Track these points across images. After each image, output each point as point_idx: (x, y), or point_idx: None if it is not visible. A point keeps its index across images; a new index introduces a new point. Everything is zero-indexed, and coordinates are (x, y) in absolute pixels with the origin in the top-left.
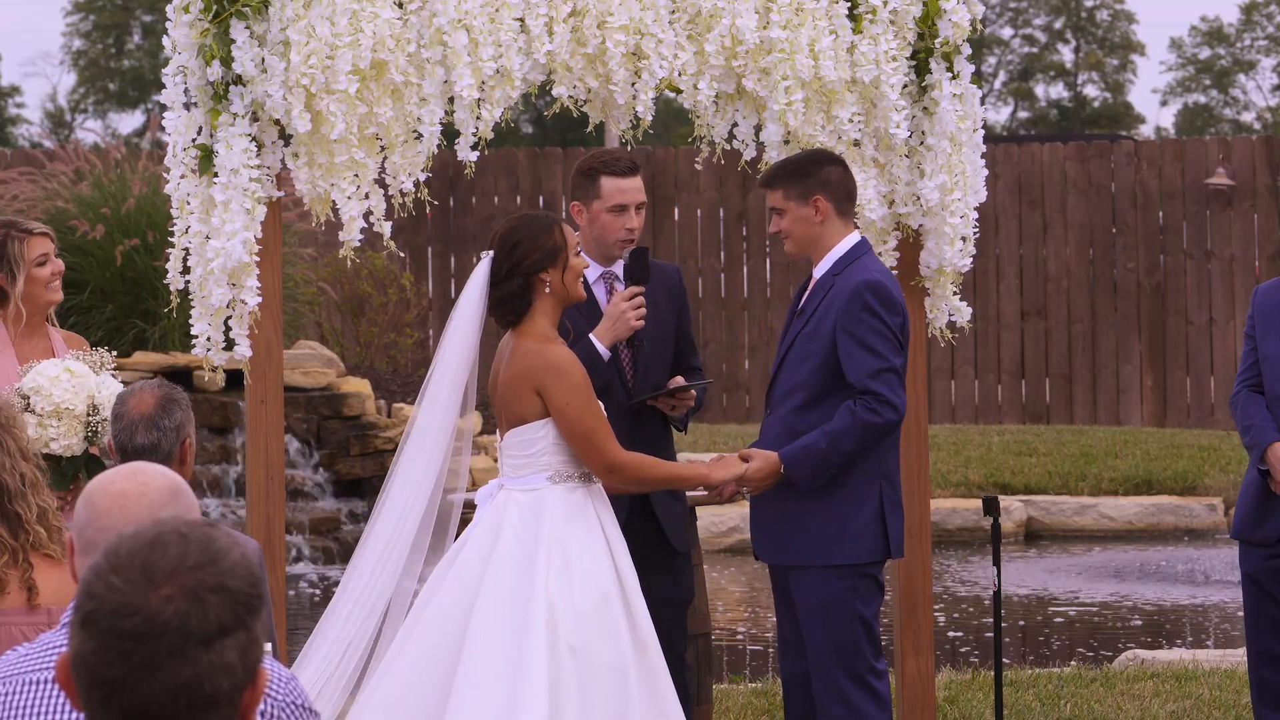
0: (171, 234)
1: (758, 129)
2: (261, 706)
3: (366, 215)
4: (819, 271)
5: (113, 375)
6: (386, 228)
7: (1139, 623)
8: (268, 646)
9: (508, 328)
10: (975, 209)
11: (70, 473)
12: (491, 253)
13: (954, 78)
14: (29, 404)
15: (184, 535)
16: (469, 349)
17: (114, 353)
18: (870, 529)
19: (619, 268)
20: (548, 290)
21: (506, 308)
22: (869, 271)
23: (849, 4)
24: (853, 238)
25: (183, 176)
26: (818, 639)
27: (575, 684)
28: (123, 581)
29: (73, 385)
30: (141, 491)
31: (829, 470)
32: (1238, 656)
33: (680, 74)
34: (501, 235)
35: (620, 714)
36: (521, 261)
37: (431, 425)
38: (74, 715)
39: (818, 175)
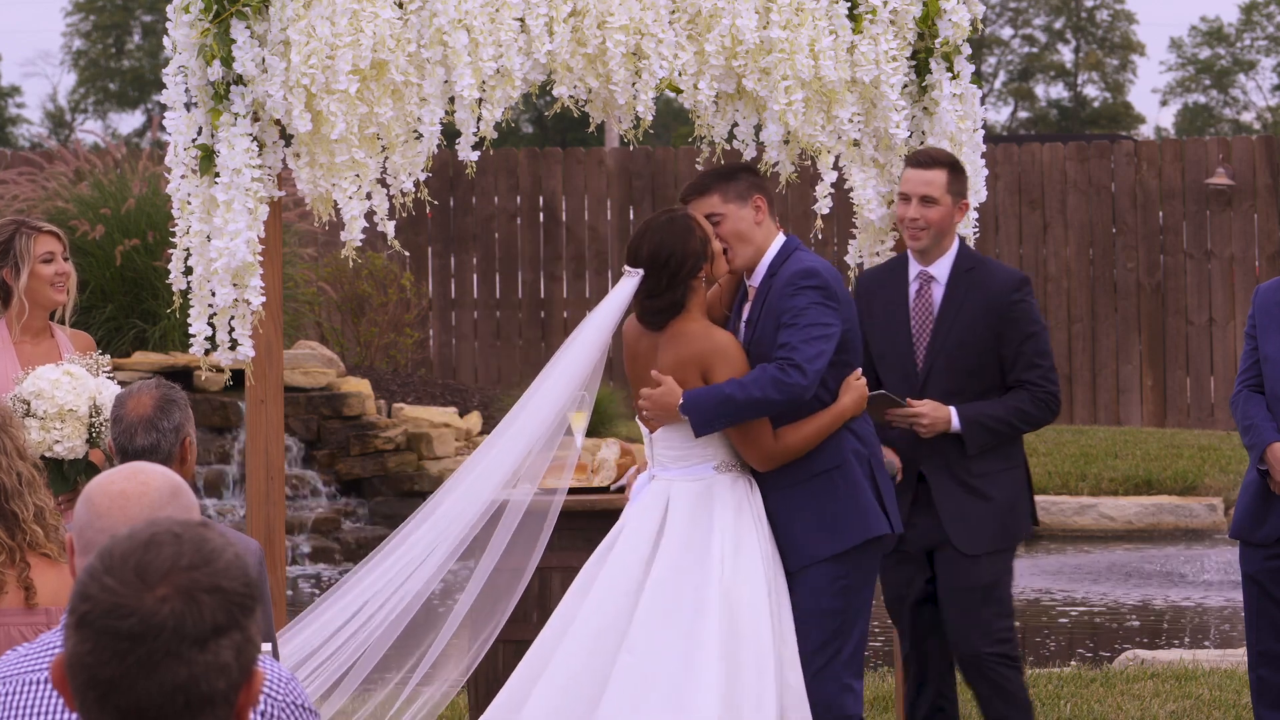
0: (172, 234)
1: (758, 129)
2: (262, 707)
3: (370, 215)
4: (756, 279)
5: (109, 378)
6: (390, 227)
7: (1139, 623)
8: (266, 647)
9: (662, 329)
10: (975, 209)
11: (72, 475)
12: (640, 271)
13: (954, 78)
14: (30, 408)
15: (178, 536)
16: (586, 366)
17: (107, 356)
18: (870, 511)
19: (936, 268)
20: (701, 284)
21: (665, 315)
22: (801, 263)
23: (849, 4)
24: (781, 237)
25: (183, 176)
26: (813, 639)
27: (754, 672)
28: (117, 583)
29: (74, 387)
30: (142, 491)
31: (726, 418)
32: (1238, 656)
33: (680, 74)
34: (650, 253)
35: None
36: (679, 271)
37: (528, 430)
38: (74, 716)
39: (748, 176)
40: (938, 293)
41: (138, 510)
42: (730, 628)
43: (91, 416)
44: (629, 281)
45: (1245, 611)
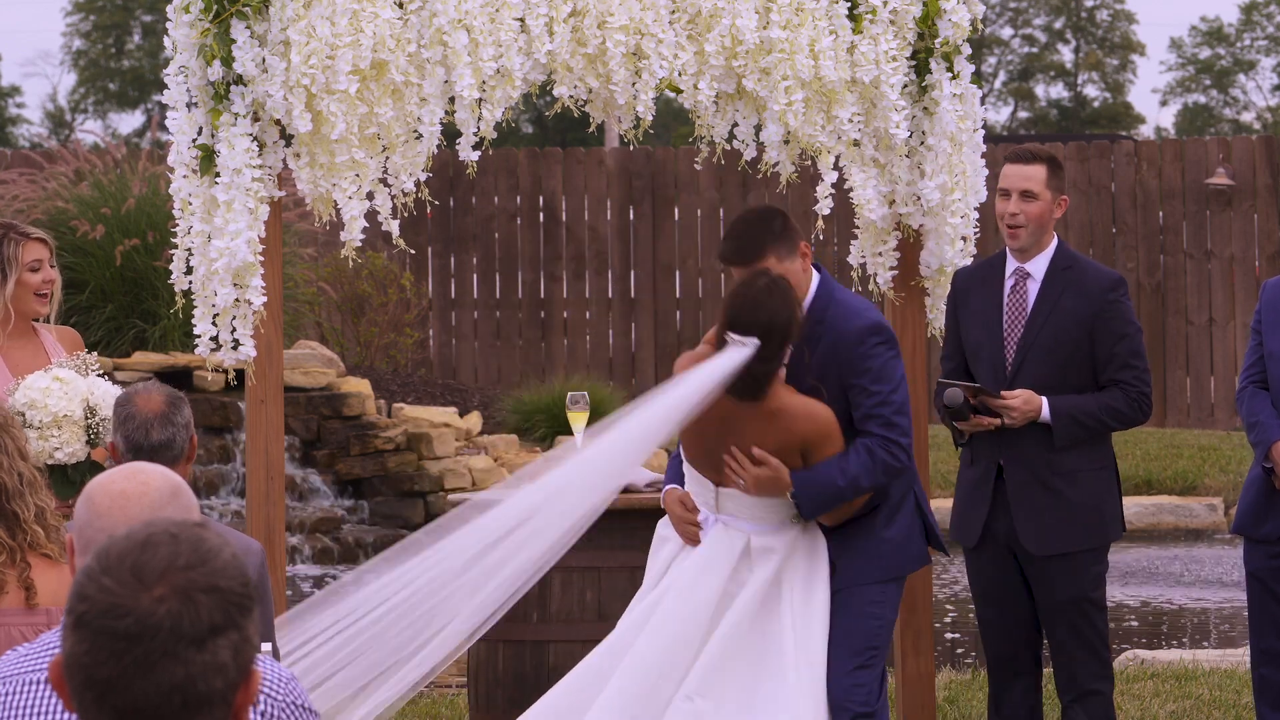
0: (173, 234)
1: (758, 129)
2: (261, 706)
3: (373, 215)
4: None
5: (100, 375)
6: (394, 226)
7: (1139, 623)
8: (266, 646)
9: (754, 401)
10: (976, 209)
11: (77, 478)
12: (755, 341)
13: (954, 78)
14: (25, 420)
15: (174, 536)
16: (667, 428)
17: (94, 354)
18: (917, 538)
19: (1033, 265)
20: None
21: (764, 385)
22: (862, 315)
23: (849, 4)
24: (815, 275)
25: (185, 177)
26: (848, 650)
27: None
28: (114, 583)
29: (65, 392)
30: (142, 491)
31: (836, 504)
32: (1238, 656)
33: (680, 74)
34: (768, 321)
35: None
36: (785, 340)
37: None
38: (73, 716)
39: (784, 222)
40: (1033, 289)
41: (138, 510)
42: (811, 682)
43: (88, 418)
44: (741, 352)
45: (1248, 609)
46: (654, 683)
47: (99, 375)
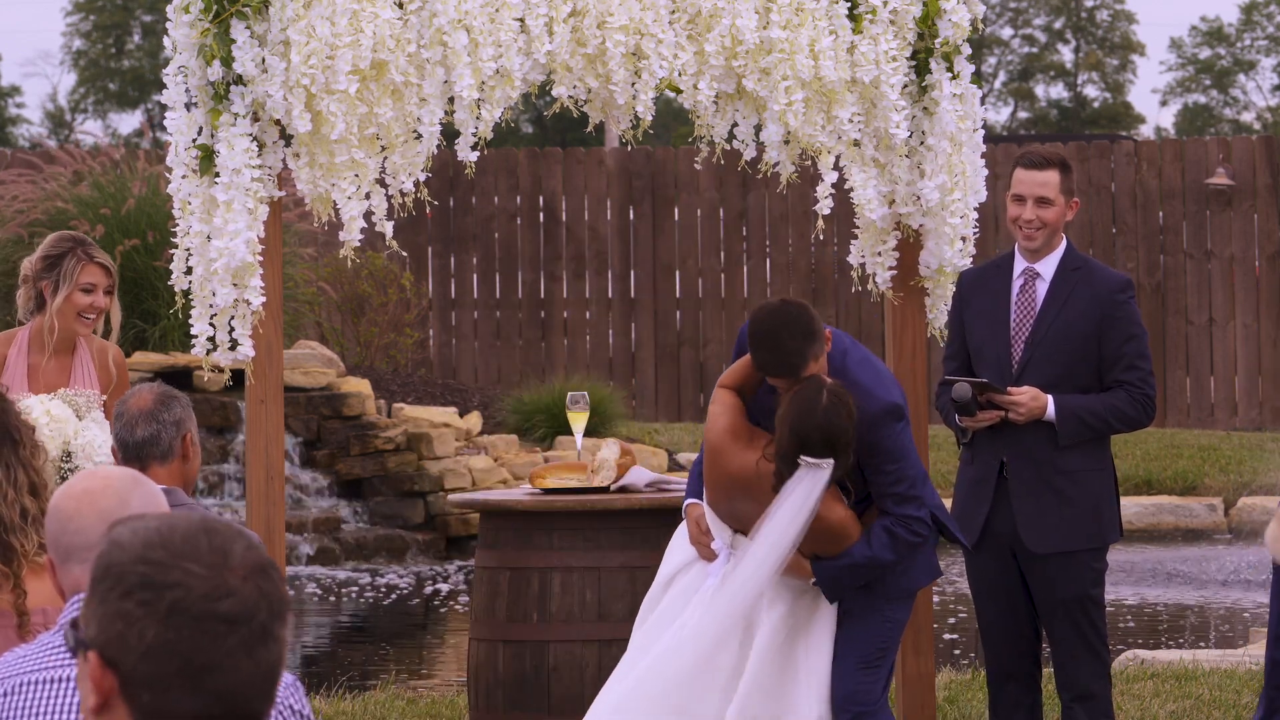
0: (173, 234)
1: (758, 129)
2: None
3: (368, 215)
4: None
5: (96, 422)
6: (389, 227)
7: (1138, 623)
8: None
9: None
10: (975, 209)
11: None
12: (831, 461)
13: (954, 78)
14: None
15: (222, 521)
16: (773, 569)
17: (101, 402)
18: (929, 551)
19: (1043, 265)
20: None
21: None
22: (876, 398)
23: (849, 4)
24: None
25: (184, 177)
26: (858, 652)
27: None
28: (200, 567)
29: (49, 431)
30: (105, 485)
31: (857, 584)
32: (1237, 656)
33: (680, 74)
34: (839, 441)
35: None
36: (852, 447)
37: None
38: (75, 715)
39: (815, 322)
40: (1042, 289)
41: (107, 502)
42: (818, 685)
43: (62, 463)
44: (822, 473)
45: (1271, 594)
46: (679, 695)
47: (96, 420)
